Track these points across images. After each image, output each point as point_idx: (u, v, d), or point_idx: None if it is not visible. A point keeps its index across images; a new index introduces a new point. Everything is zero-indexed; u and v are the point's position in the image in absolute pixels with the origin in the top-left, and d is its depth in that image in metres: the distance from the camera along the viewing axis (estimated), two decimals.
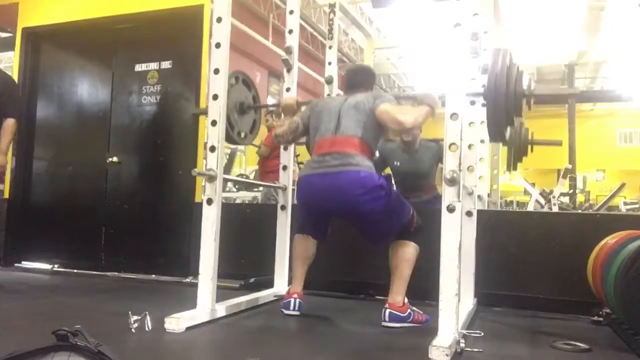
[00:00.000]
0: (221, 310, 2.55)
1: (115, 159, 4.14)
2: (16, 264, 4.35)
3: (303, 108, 2.90)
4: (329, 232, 2.75)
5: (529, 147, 3.68)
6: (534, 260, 3.04)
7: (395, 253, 2.50)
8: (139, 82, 4.14)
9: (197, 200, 3.68)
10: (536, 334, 2.50)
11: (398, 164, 3.79)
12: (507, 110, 2.30)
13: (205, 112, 3.03)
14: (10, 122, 3.41)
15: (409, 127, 2.47)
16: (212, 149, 2.52)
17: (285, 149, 3.29)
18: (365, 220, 2.49)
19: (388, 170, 3.83)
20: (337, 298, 3.26)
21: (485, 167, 3.55)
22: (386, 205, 2.44)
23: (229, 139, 2.75)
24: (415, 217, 2.58)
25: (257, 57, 8.57)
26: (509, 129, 2.46)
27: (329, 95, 3.59)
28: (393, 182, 3.70)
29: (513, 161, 3.89)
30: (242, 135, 3.11)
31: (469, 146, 2.61)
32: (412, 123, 2.43)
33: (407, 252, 2.49)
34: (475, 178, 2.72)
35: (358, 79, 2.76)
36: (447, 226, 2.01)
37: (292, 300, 2.68)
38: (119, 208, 4.13)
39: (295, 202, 2.90)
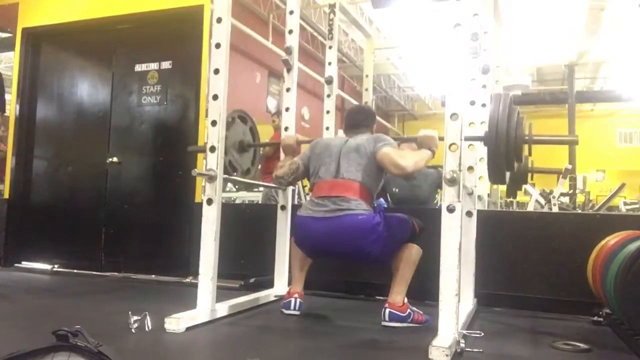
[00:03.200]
0: (221, 310, 2.55)
1: (115, 159, 4.14)
2: (16, 264, 4.35)
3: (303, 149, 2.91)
4: None
5: (529, 175, 3.69)
6: (534, 260, 3.04)
7: (398, 254, 2.50)
8: (139, 82, 4.15)
9: (197, 200, 3.69)
10: (536, 334, 2.50)
11: (397, 190, 3.81)
12: (507, 155, 2.32)
13: (202, 150, 3.03)
14: None
15: (410, 172, 2.44)
16: (212, 149, 2.52)
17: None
18: (367, 258, 2.48)
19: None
20: (337, 298, 3.26)
21: (485, 167, 3.55)
22: (385, 237, 2.44)
23: (232, 179, 2.80)
24: (415, 224, 2.56)
25: (257, 57, 8.57)
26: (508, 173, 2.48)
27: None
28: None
29: (513, 189, 3.89)
30: (245, 171, 3.16)
31: (469, 146, 2.61)
32: (412, 168, 2.42)
33: (410, 254, 2.48)
34: (475, 178, 2.72)
35: (359, 119, 2.76)
36: (447, 226, 2.01)
37: (293, 300, 2.68)
38: (119, 208, 4.14)
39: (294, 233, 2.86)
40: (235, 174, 3.03)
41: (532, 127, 2.44)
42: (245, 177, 3.22)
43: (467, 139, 2.35)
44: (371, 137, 2.60)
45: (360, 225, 2.40)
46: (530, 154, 2.54)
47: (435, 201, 3.93)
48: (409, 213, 2.66)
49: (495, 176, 2.48)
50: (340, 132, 3.23)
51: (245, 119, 3.19)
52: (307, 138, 3.13)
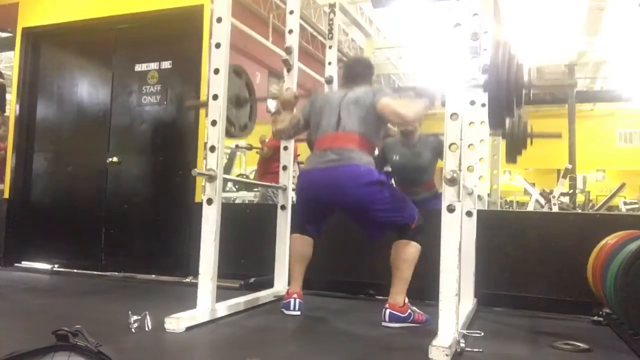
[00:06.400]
0: (221, 310, 2.55)
1: (115, 159, 4.14)
2: (16, 264, 4.35)
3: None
4: (323, 228, 2.78)
5: (529, 140, 3.68)
6: (534, 260, 3.04)
7: (397, 253, 2.50)
8: (139, 82, 4.14)
9: (197, 200, 3.68)
10: (536, 334, 2.50)
11: (397, 157, 3.79)
12: (508, 101, 2.31)
13: (201, 105, 3.00)
14: None
15: (410, 120, 2.53)
16: (212, 149, 2.52)
17: (286, 148, 3.28)
18: (365, 213, 2.50)
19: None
20: (337, 298, 3.25)
21: (485, 167, 3.55)
22: (386, 199, 2.46)
23: (230, 135, 2.74)
24: (418, 216, 2.57)
25: (257, 57, 8.56)
26: (508, 119, 2.46)
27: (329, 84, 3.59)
28: (393, 179, 3.71)
29: (512, 154, 3.88)
30: (242, 127, 3.08)
31: (469, 146, 2.61)
32: (412, 116, 2.48)
33: (409, 252, 2.48)
34: (475, 178, 2.72)
35: (357, 71, 2.76)
36: (447, 226, 2.01)
37: (292, 300, 2.68)
38: (119, 208, 4.13)
39: (296, 198, 2.89)
40: (232, 129, 2.93)
41: (531, 72, 2.43)
42: (243, 132, 3.13)
43: (469, 86, 2.32)
44: (370, 89, 2.61)
45: (362, 175, 2.44)
46: (529, 98, 2.50)
47: (434, 170, 3.85)
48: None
49: (496, 123, 2.46)
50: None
51: (240, 73, 3.10)
52: (306, 92, 3.08)
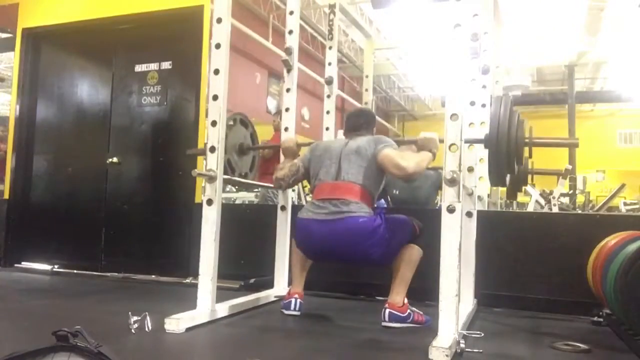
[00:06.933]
0: (221, 310, 2.55)
1: (115, 159, 4.14)
2: (16, 264, 4.35)
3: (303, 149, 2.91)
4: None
5: (529, 176, 3.68)
6: (534, 260, 3.04)
7: (399, 255, 2.50)
8: (139, 82, 4.15)
9: (197, 200, 3.68)
10: (536, 334, 2.50)
11: (397, 192, 3.81)
12: (509, 158, 2.32)
13: (201, 153, 3.09)
14: None
15: (411, 172, 2.41)
16: (212, 149, 2.52)
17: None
18: (368, 261, 2.49)
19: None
20: (337, 298, 3.26)
21: (485, 167, 3.55)
22: (387, 237, 2.43)
23: (230, 180, 2.81)
24: (416, 225, 2.56)
25: (257, 57, 8.57)
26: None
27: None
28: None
29: (513, 192, 3.90)
30: (243, 175, 3.19)
31: (469, 147, 2.61)
32: (413, 169, 2.39)
33: (411, 254, 2.48)
34: (475, 178, 2.72)
35: (359, 122, 2.76)
36: (447, 227, 2.01)
37: (293, 300, 2.68)
38: (119, 208, 4.14)
39: (294, 240, 2.84)
40: (233, 175, 3.06)
41: (532, 129, 2.45)
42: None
43: (467, 141, 2.35)
44: (372, 138, 2.59)
45: (362, 228, 2.39)
46: (530, 156, 2.54)
47: (435, 202, 3.94)
48: (409, 214, 2.66)
49: (496, 179, 2.48)
50: (340, 134, 3.23)
51: (247, 123, 3.23)
52: (307, 140, 3.13)
